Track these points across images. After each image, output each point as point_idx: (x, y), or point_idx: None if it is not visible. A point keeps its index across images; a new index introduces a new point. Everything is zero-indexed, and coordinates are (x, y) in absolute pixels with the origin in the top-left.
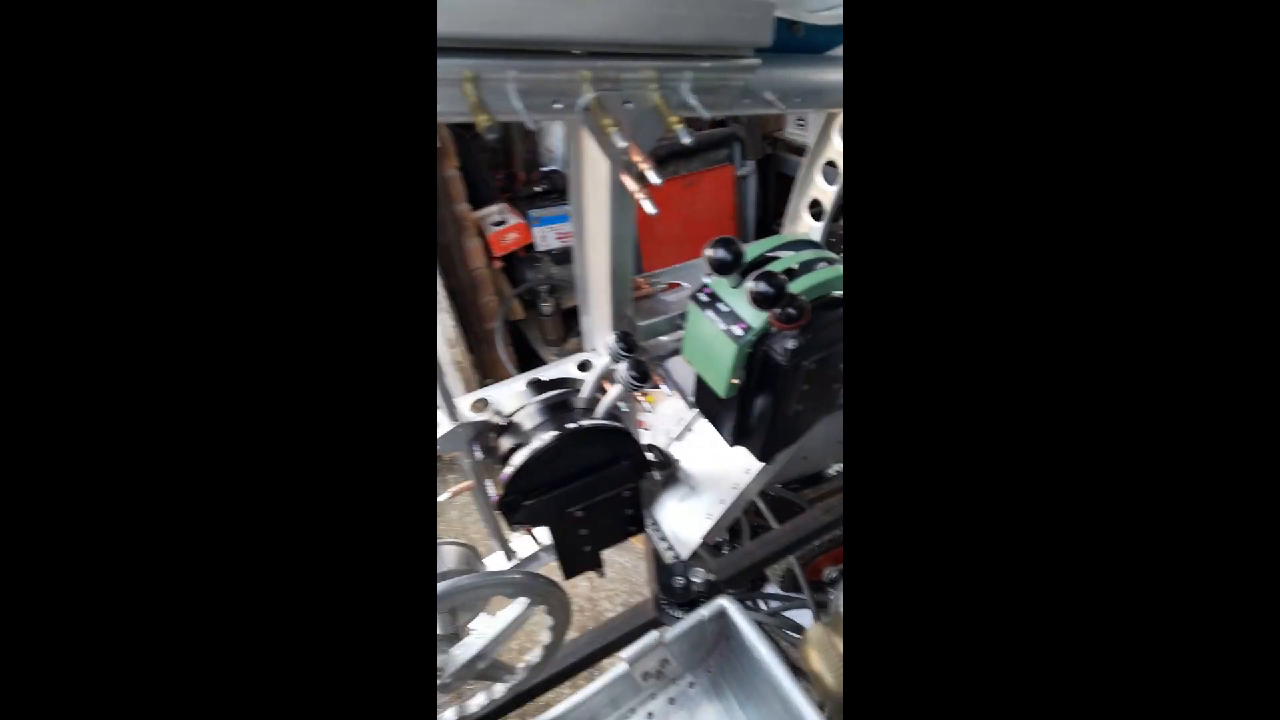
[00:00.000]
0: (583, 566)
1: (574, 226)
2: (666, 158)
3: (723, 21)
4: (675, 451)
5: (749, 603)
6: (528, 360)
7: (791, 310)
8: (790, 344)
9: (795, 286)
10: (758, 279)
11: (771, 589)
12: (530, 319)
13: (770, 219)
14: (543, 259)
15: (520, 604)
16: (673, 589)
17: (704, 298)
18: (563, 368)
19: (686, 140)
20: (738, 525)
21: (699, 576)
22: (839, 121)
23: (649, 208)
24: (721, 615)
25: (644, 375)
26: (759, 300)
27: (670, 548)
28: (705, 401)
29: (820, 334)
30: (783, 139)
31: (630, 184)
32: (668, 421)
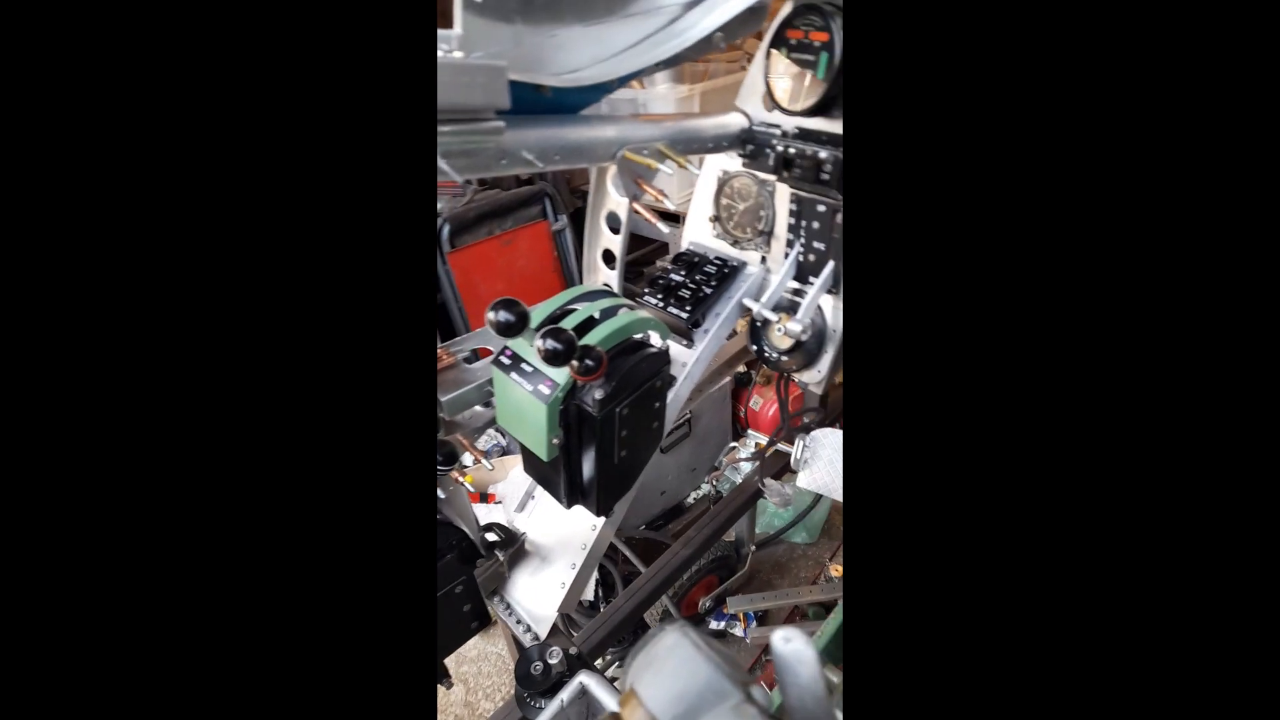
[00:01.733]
0: None
1: None
2: (477, 219)
3: (451, 86)
4: (520, 523)
5: None
6: None
7: (589, 361)
8: (598, 394)
9: (592, 336)
10: (545, 336)
11: None
12: None
13: None
14: None
15: None
16: (531, 678)
17: (506, 360)
18: None
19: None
20: (610, 579)
21: (555, 656)
22: (610, 174)
23: None
24: (583, 694)
25: (449, 457)
26: (549, 357)
27: (528, 629)
28: (533, 466)
29: (627, 378)
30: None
31: None
32: (521, 490)
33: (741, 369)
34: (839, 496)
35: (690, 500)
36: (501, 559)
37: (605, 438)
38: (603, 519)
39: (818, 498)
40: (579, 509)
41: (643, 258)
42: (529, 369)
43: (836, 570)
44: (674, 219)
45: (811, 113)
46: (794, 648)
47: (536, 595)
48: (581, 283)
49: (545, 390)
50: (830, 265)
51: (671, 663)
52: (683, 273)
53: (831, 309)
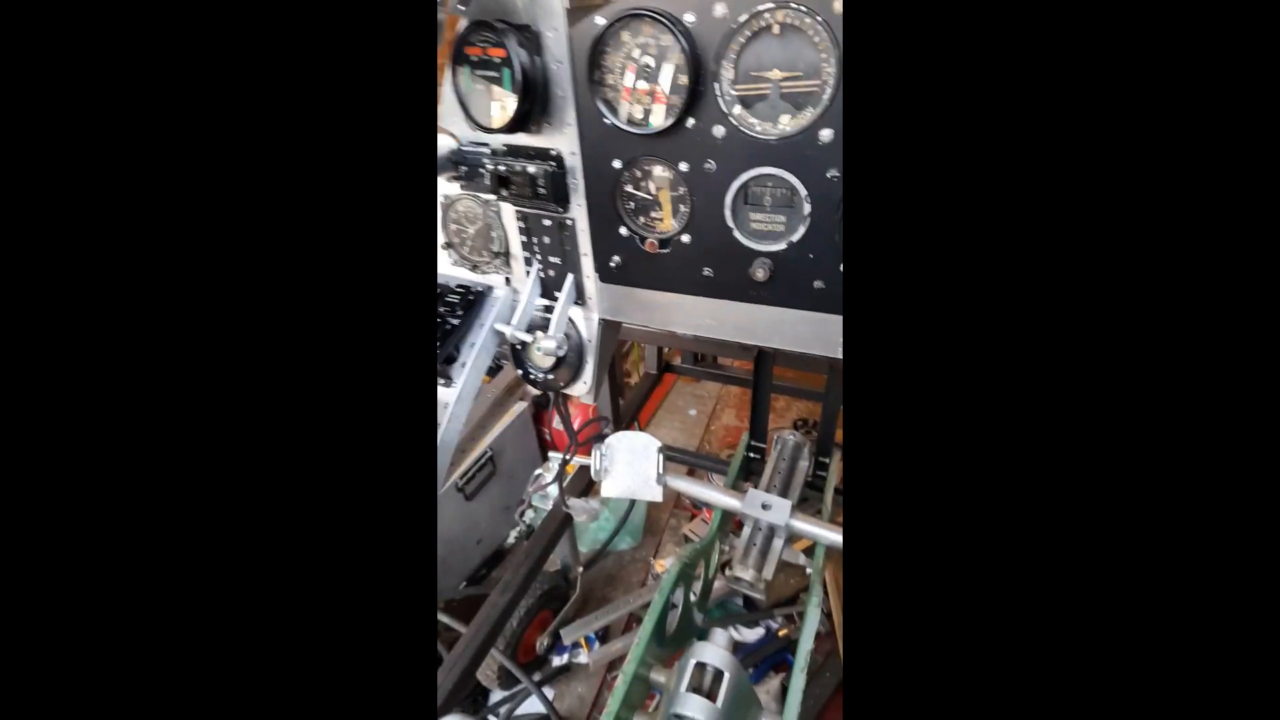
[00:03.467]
0: None
1: None
2: None
3: None
4: None
5: None
6: None
7: None
8: None
9: None
10: None
11: (496, 694)
12: None
13: None
14: None
15: None
16: None
17: None
18: None
19: None
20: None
21: None
22: None
23: None
24: None
25: None
26: None
27: None
28: None
29: None
30: None
31: None
32: None
33: (536, 390)
34: (646, 496)
35: (510, 540)
36: None
37: None
38: None
39: (633, 501)
40: None
41: None
42: None
43: (660, 565)
44: None
45: (512, 129)
46: None
47: None
48: None
49: None
50: (570, 278)
51: None
52: None
53: (583, 320)
